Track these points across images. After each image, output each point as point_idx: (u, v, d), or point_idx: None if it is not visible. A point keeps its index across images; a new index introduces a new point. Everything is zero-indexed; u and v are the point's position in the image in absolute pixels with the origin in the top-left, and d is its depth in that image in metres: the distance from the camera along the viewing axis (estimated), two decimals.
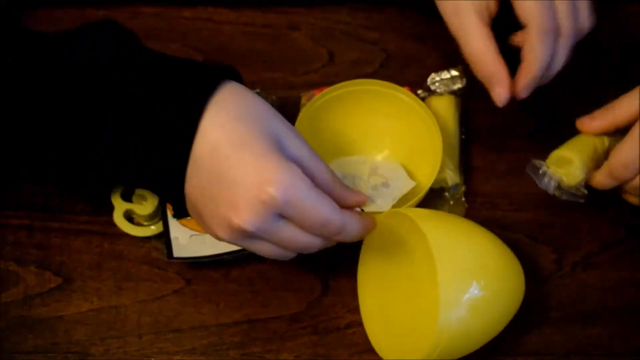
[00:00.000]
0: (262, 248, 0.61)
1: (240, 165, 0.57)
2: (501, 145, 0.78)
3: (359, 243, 0.71)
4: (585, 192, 0.69)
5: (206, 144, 0.58)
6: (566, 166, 0.70)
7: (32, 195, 0.74)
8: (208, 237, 0.71)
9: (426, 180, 0.71)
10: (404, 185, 0.73)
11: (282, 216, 0.59)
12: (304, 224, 0.59)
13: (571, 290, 0.73)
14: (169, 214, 0.72)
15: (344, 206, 0.63)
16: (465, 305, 0.61)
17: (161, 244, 0.71)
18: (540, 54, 0.67)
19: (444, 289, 0.60)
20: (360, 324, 0.71)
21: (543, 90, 0.71)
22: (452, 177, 0.74)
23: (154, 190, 0.67)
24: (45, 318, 0.70)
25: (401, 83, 0.74)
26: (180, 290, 0.72)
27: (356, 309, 0.71)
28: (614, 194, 0.73)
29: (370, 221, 0.64)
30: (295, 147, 0.60)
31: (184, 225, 0.71)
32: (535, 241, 0.75)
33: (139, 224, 0.73)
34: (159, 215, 0.72)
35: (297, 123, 0.71)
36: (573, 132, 0.79)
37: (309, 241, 0.61)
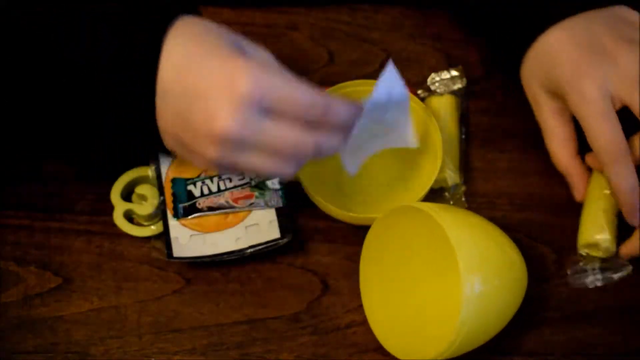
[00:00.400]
0: (256, 161, 0.60)
1: (206, 75, 0.57)
2: (501, 145, 0.78)
3: (360, 240, 0.71)
4: (626, 262, 0.70)
5: (171, 70, 0.57)
6: (596, 248, 0.71)
7: (32, 195, 0.74)
8: (208, 237, 0.71)
9: (426, 181, 0.71)
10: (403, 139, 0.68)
11: (264, 113, 0.57)
12: (287, 111, 0.58)
13: (571, 290, 0.73)
14: (169, 214, 0.72)
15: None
16: (483, 298, 0.62)
17: (161, 243, 0.71)
18: (619, 184, 0.67)
19: (466, 281, 0.60)
20: (360, 323, 0.71)
21: None
22: (452, 177, 0.74)
23: (131, 134, 0.64)
24: (45, 318, 0.70)
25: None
26: (180, 290, 0.72)
27: (356, 309, 0.71)
28: None
29: (355, 104, 0.61)
30: (259, 54, 0.60)
31: (184, 225, 0.72)
32: (535, 241, 0.75)
33: (139, 224, 0.73)
34: (159, 215, 0.73)
35: None
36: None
37: (298, 136, 0.59)
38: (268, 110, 0.57)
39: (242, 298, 0.72)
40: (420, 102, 0.73)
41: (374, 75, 0.79)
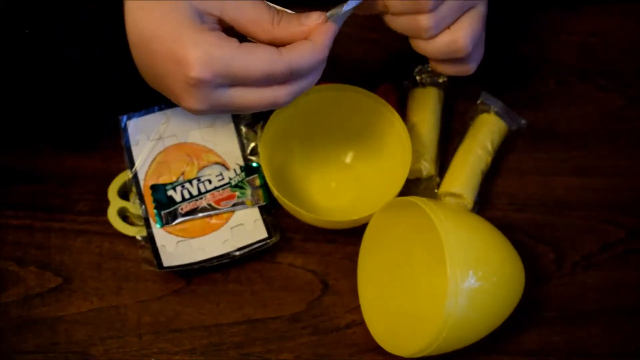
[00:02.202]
0: (237, 110, 0.60)
1: (160, 59, 0.57)
2: (501, 145, 0.78)
3: (358, 240, 0.71)
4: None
5: (134, 35, 0.58)
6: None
7: (32, 195, 0.74)
8: (194, 242, 0.71)
9: (401, 172, 0.71)
10: None
11: (225, 86, 0.57)
12: (247, 83, 0.57)
13: (571, 290, 0.73)
14: (152, 222, 0.71)
15: (298, 37, 0.59)
16: (474, 294, 0.62)
17: (150, 253, 0.71)
18: None
19: (452, 275, 0.61)
20: (360, 323, 0.71)
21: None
22: (426, 167, 0.75)
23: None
24: (45, 318, 0.70)
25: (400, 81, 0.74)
26: (180, 290, 0.72)
27: (356, 309, 0.71)
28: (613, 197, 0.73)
29: (323, 34, 0.59)
30: (213, 6, 0.58)
31: (168, 232, 0.71)
32: (535, 241, 0.75)
33: (132, 224, 0.73)
34: None
35: (266, 126, 0.72)
36: (574, 131, 0.80)
37: (266, 96, 0.58)
38: (227, 84, 0.57)
39: (242, 298, 0.72)
40: (383, 102, 0.73)
41: (374, 75, 0.80)
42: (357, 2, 0.59)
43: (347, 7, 0.59)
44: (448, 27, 0.64)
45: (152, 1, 0.57)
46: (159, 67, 0.58)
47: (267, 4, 0.59)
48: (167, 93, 0.60)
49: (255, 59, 0.57)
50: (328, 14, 0.59)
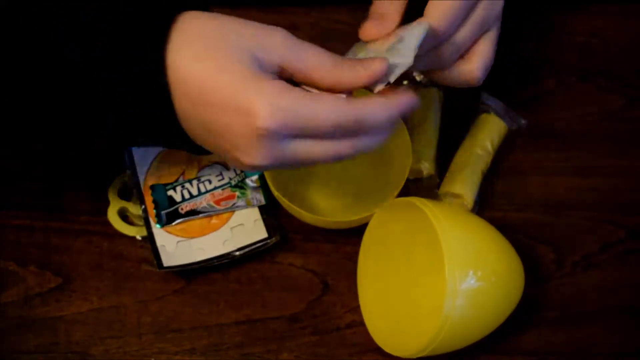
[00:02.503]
0: (305, 157, 0.56)
1: (222, 112, 0.54)
2: (501, 145, 0.78)
3: (358, 240, 0.71)
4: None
5: (184, 99, 0.55)
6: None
7: (32, 195, 0.74)
8: (194, 243, 0.71)
9: (401, 172, 0.71)
10: (416, 30, 0.61)
11: (291, 138, 0.55)
12: (317, 135, 0.55)
13: (571, 290, 0.73)
14: (152, 222, 0.71)
15: (361, 85, 0.57)
16: (474, 294, 0.62)
17: (150, 253, 0.71)
18: None
19: (451, 275, 0.61)
20: (360, 323, 0.71)
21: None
22: (427, 167, 0.75)
23: (154, 136, 0.62)
24: (45, 318, 0.70)
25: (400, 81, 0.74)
26: (180, 290, 0.72)
27: (356, 309, 0.71)
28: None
29: (403, 95, 0.57)
30: (274, 53, 0.55)
31: (168, 232, 0.71)
32: (535, 241, 0.75)
33: (132, 224, 0.73)
34: None
35: None
36: (574, 131, 0.80)
37: (331, 150, 0.56)
38: (293, 136, 0.55)
39: (242, 298, 0.72)
40: None
41: None
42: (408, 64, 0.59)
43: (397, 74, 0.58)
44: (462, 56, 0.65)
45: (205, 48, 0.55)
46: (219, 121, 0.55)
47: (328, 51, 0.57)
48: (227, 148, 0.56)
49: (323, 107, 0.54)
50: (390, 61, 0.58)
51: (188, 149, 0.73)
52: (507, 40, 0.82)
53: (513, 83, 0.80)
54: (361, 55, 0.61)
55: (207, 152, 0.62)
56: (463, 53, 0.65)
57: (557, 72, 0.81)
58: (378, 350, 0.69)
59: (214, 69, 0.54)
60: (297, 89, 0.55)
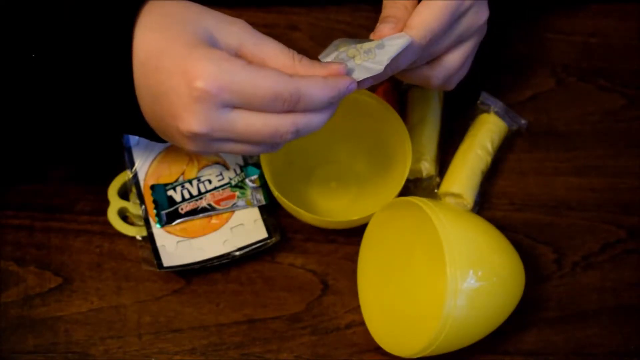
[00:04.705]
0: (233, 147, 0.58)
1: (165, 74, 0.55)
2: (501, 145, 0.78)
3: (358, 240, 0.71)
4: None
5: (139, 66, 0.56)
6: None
7: (32, 195, 0.74)
8: (194, 242, 0.71)
9: (401, 172, 0.71)
10: (399, 41, 0.62)
11: (229, 107, 0.56)
12: (253, 104, 0.56)
13: (571, 290, 0.73)
14: (152, 222, 0.72)
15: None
16: (474, 294, 0.62)
17: (149, 253, 0.71)
18: None
19: (452, 275, 0.61)
20: (360, 323, 0.71)
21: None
22: (427, 167, 0.75)
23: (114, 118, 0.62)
24: (45, 318, 0.70)
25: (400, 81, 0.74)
26: (180, 290, 0.72)
27: (356, 309, 0.71)
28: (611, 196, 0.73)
29: (340, 80, 0.58)
30: (233, 36, 0.57)
31: (168, 232, 0.71)
32: (535, 241, 0.75)
33: (132, 224, 0.73)
34: None
35: None
36: (574, 131, 0.80)
37: (270, 124, 0.56)
38: (232, 104, 0.56)
39: (242, 298, 0.72)
40: (383, 102, 0.73)
41: None
42: (371, 76, 0.60)
43: (363, 76, 0.59)
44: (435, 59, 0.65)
45: (165, 23, 0.56)
46: (165, 84, 0.56)
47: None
48: (168, 121, 0.57)
49: (264, 76, 0.55)
50: (349, 65, 0.59)
51: (142, 132, 0.70)
52: (507, 40, 0.82)
53: (513, 83, 0.80)
54: (342, 49, 0.61)
55: (162, 140, 0.62)
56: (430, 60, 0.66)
57: (557, 72, 0.82)
58: (378, 350, 0.69)
59: (168, 37, 0.56)
60: (242, 59, 0.56)
